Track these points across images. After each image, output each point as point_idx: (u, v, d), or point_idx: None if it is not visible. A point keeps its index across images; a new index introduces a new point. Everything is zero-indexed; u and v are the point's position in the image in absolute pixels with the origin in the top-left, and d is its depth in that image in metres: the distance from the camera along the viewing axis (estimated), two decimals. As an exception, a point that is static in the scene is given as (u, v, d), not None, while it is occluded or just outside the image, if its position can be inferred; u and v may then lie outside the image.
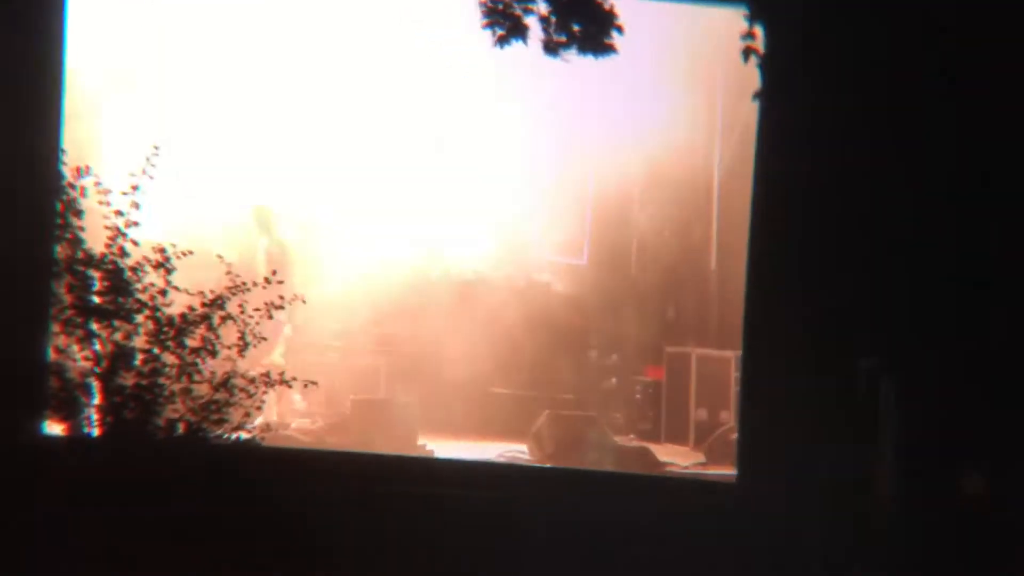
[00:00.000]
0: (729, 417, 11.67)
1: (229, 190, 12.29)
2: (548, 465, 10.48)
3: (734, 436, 9.82)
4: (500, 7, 7.18)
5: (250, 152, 12.17)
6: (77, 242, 7.13)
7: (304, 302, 7.79)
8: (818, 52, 7.93)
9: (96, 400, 7.14)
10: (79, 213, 7.15)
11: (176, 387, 7.27)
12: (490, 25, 7.17)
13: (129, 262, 7.24)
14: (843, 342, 8.09)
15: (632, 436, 11.91)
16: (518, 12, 7.16)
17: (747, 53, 7.33)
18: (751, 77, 7.55)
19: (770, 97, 7.82)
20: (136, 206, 7.35)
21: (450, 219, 13.00)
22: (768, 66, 7.52)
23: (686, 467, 10.97)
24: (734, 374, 11.65)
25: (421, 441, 10.70)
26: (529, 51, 7.20)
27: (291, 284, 7.68)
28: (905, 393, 7.89)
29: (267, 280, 7.58)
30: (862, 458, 7.91)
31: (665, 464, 10.90)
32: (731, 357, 11.74)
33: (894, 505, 7.79)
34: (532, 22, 7.16)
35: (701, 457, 11.28)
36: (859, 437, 7.95)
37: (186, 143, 11.93)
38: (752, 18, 7.31)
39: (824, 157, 8.11)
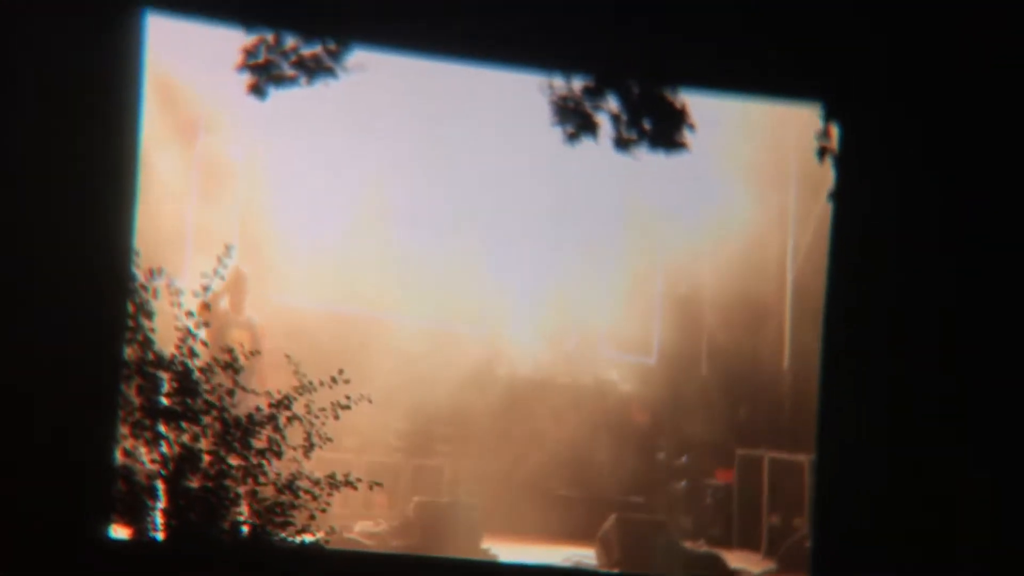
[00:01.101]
0: (803, 523, 11.37)
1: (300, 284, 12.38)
2: (615, 571, 10.25)
3: (808, 543, 9.55)
4: (571, 105, 7.18)
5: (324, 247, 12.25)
6: (147, 343, 7.13)
7: (370, 401, 7.69)
8: (895, 152, 7.81)
9: (162, 503, 7.07)
10: (150, 314, 7.16)
11: (241, 489, 7.19)
12: (560, 122, 7.18)
13: (198, 363, 7.23)
14: (923, 446, 7.86)
15: (702, 541, 11.63)
16: (588, 110, 7.16)
17: (822, 152, 7.25)
18: (826, 170, 7.47)
19: (844, 197, 7.71)
20: (207, 307, 7.36)
21: (517, 317, 12.95)
22: (843, 165, 7.44)
23: (758, 575, 10.69)
24: (808, 479, 11.38)
25: (485, 545, 10.52)
26: (597, 145, 7.19)
27: (356, 382, 7.59)
28: (995, 495, 7.65)
29: (333, 379, 7.51)
30: (947, 560, 7.65)
31: (736, 572, 10.62)
32: (804, 461, 11.48)
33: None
34: (603, 119, 7.15)
35: (772, 565, 10.99)
36: (942, 544, 7.69)
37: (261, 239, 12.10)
38: (827, 117, 7.25)
39: (900, 257, 7.95)
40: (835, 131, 7.23)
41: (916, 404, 7.84)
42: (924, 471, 7.79)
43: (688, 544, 11.14)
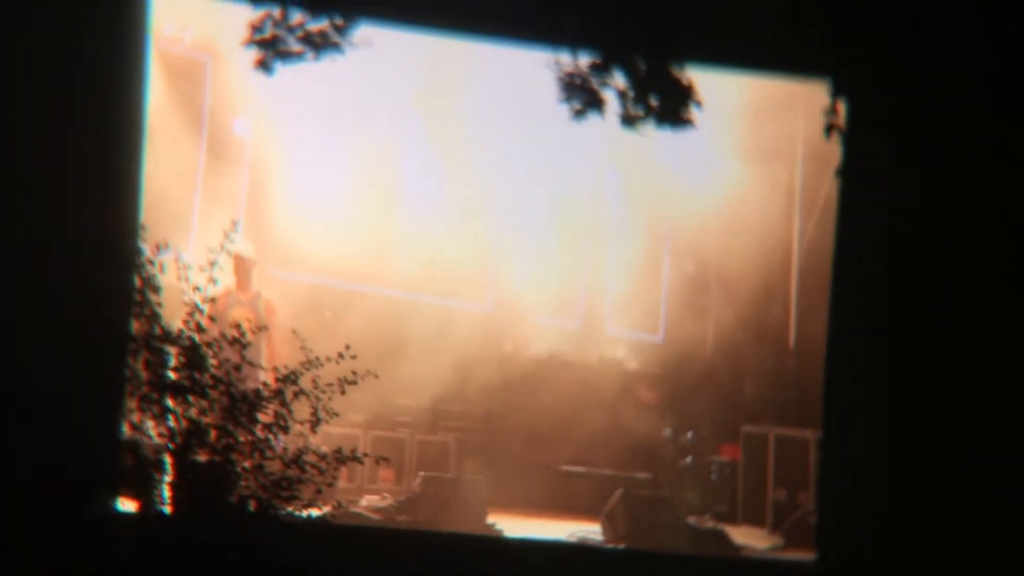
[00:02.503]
0: (808, 499, 11.39)
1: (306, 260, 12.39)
2: (620, 546, 10.27)
3: (813, 519, 9.56)
4: (578, 81, 7.16)
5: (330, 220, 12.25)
6: (154, 317, 7.14)
7: (376, 377, 7.71)
8: (904, 130, 7.77)
9: (169, 477, 7.10)
10: (157, 289, 7.17)
11: (248, 464, 7.21)
12: (567, 99, 7.15)
13: (206, 337, 7.24)
14: (926, 424, 7.85)
15: (707, 517, 11.65)
16: (595, 86, 7.13)
17: (830, 129, 7.21)
18: (833, 150, 7.43)
19: (852, 175, 7.68)
20: (214, 282, 7.37)
21: (522, 293, 12.96)
22: (850, 142, 7.40)
23: (763, 550, 10.70)
24: (814, 455, 11.39)
25: (490, 520, 10.55)
26: (603, 124, 7.16)
27: (364, 359, 7.61)
28: (995, 472, 7.63)
29: (340, 355, 7.52)
30: (947, 539, 7.65)
31: (741, 547, 10.63)
32: (810, 437, 11.49)
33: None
34: (609, 96, 7.11)
35: (779, 540, 11.00)
36: (942, 520, 7.69)
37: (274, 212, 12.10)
38: (835, 93, 7.21)
39: (908, 237, 7.92)
40: (843, 108, 7.18)
41: (922, 382, 7.83)
42: (928, 449, 7.78)
43: (693, 520, 11.15)
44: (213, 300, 7.38)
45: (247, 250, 10.79)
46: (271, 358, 10.26)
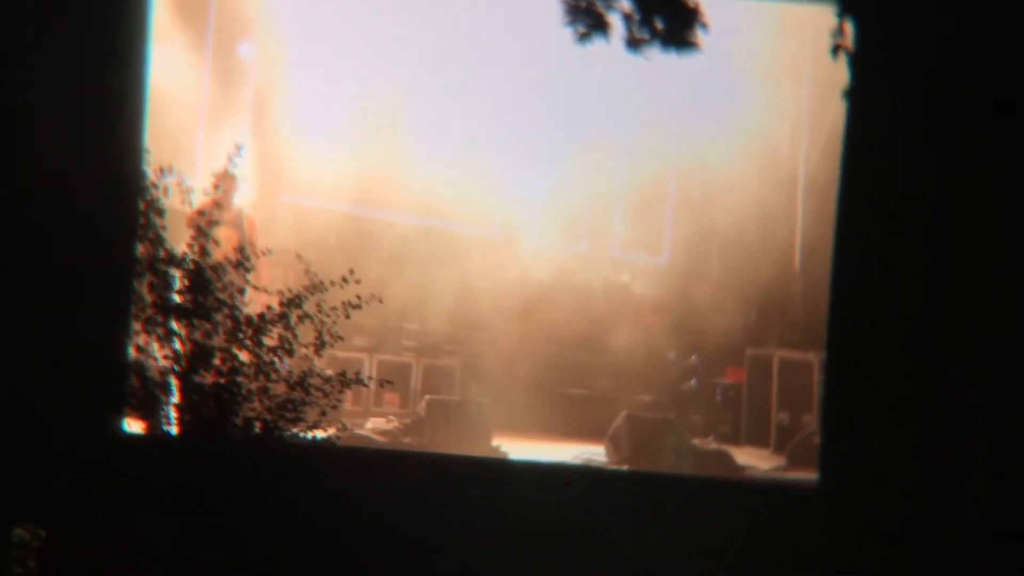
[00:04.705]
0: (812, 420, 11.45)
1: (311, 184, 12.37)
2: (625, 468, 10.36)
3: (816, 440, 9.63)
4: (583, 4, 7.09)
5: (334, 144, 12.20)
6: (159, 241, 7.15)
7: (381, 301, 7.72)
8: (910, 48, 7.71)
9: (175, 399, 7.16)
10: (161, 212, 7.17)
11: (253, 386, 7.26)
12: (572, 22, 7.09)
13: (209, 261, 7.26)
14: (931, 346, 7.88)
15: (711, 439, 11.73)
16: (600, 9, 7.06)
17: (836, 50, 7.16)
18: (840, 72, 7.38)
19: (859, 95, 7.64)
20: (218, 205, 7.37)
21: (526, 217, 12.93)
22: (858, 63, 7.35)
23: (766, 470, 10.78)
24: (817, 377, 11.44)
25: (495, 443, 10.63)
26: (609, 46, 7.10)
27: (369, 284, 7.62)
28: (995, 398, 7.68)
29: (344, 279, 7.54)
30: (948, 462, 7.72)
31: (745, 468, 10.72)
32: (814, 359, 11.52)
33: (982, 509, 7.58)
34: (615, 19, 7.05)
35: (782, 461, 11.09)
36: (946, 441, 7.75)
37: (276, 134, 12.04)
38: (842, 14, 7.14)
39: (914, 157, 7.90)
40: (849, 28, 7.12)
41: (927, 305, 7.85)
42: (932, 371, 7.82)
43: (697, 441, 11.21)
44: (200, 212, 7.34)
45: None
46: (258, 279, 10.26)
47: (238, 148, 7.65)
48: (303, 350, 7.40)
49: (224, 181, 10.33)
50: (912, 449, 7.75)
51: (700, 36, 6.99)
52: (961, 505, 7.65)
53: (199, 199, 7.52)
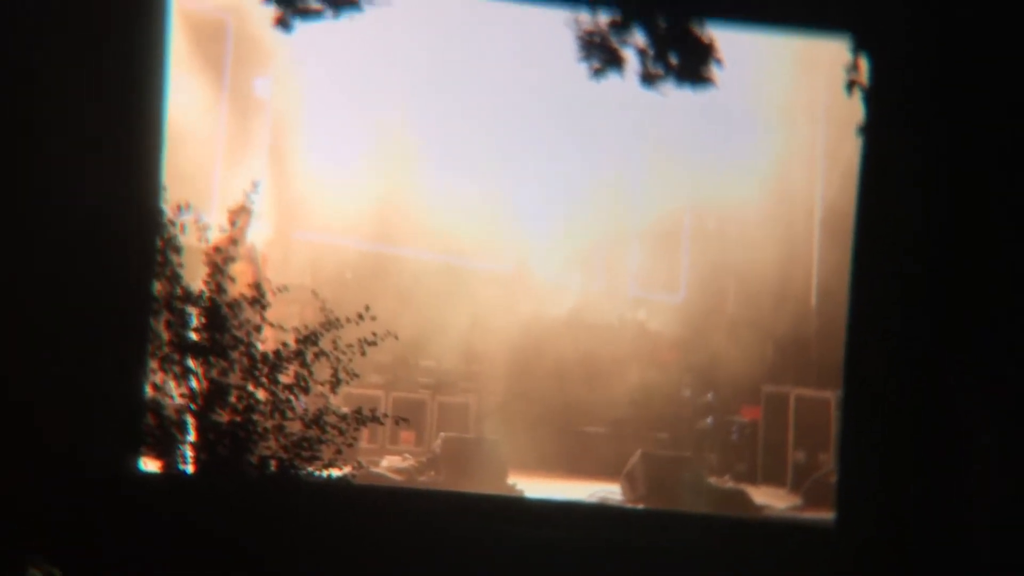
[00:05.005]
0: (828, 459, 11.39)
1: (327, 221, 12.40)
2: (640, 507, 10.30)
3: (833, 478, 9.56)
4: (597, 40, 7.11)
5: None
6: (176, 278, 7.16)
7: (397, 338, 7.71)
8: (924, 85, 7.70)
9: (191, 437, 7.14)
10: (178, 250, 7.18)
11: (269, 424, 7.24)
12: (586, 58, 7.11)
13: (226, 298, 7.26)
14: (948, 386, 7.82)
15: (727, 477, 11.67)
16: (615, 45, 7.08)
17: (851, 85, 7.16)
18: (855, 109, 7.37)
19: (874, 132, 7.62)
20: (234, 242, 7.38)
21: (543, 254, 12.94)
22: (872, 99, 7.34)
23: (783, 510, 10.72)
24: (834, 414, 11.38)
25: (511, 480, 10.59)
26: (623, 83, 7.12)
27: (384, 320, 7.62)
28: (1008, 436, 7.61)
29: (360, 316, 7.53)
30: (965, 503, 7.64)
31: (761, 507, 10.65)
32: (830, 397, 11.48)
33: (995, 541, 7.51)
34: (629, 54, 7.07)
35: (799, 500, 11.02)
36: (961, 483, 7.68)
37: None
38: (856, 49, 7.15)
39: (930, 194, 7.87)
40: (864, 64, 7.12)
41: (945, 344, 7.80)
42: (951, 410, 7.76)
43: (714, 480, 11.17)
44: (217, 249, 7.35)
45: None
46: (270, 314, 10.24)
47: (255, 185, 7.68)
48: (319, 387, 7.38)
49: (239, 216, 10.36)
50: (930, 492, 7.68)
51: (715, 72, 7.01)
52: (971, 536, 7.58)
53: (215, 235, 7.54)
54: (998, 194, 7.70)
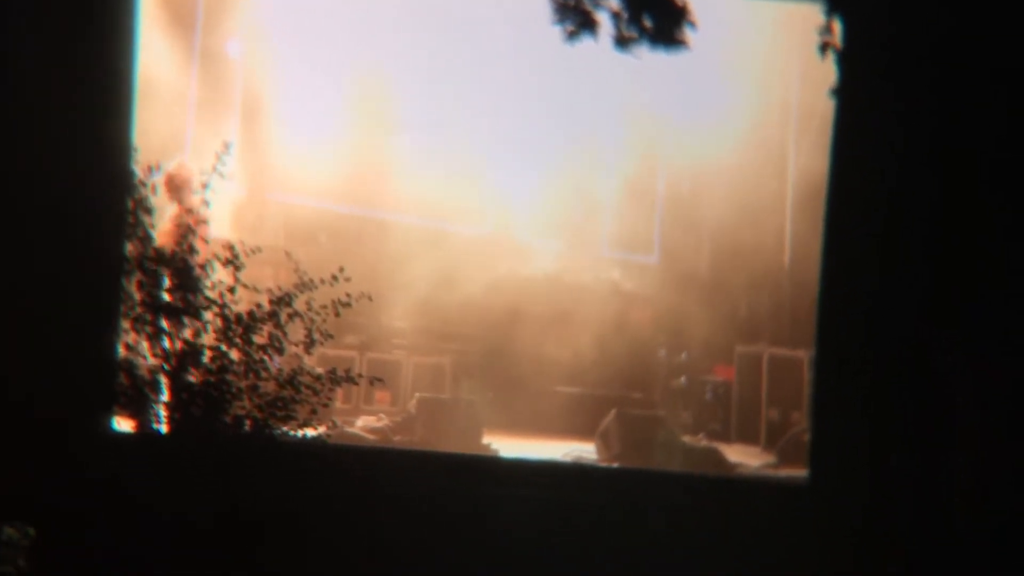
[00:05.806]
0: (801, 418, 11.48)
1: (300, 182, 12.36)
2: (615, 465, 10.37)
3: (806, 437, 9.65)
4: (571, 3, 7.09)
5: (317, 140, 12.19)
6: (147, 239, 7.15)
7: (371, 299, 7.73)
8: (898, 47, 7.72)
9: (164, 397, 7.15)
10: (149, 211, 7.17)
11: (243, 384, 7.26)
12: (560, 20, 7.08)
13: (198, 259, 7.25)
14: (920, 342, 7.89)
15: (701, 436, 11.75)
16: (588, 7, 7.06)
17: (824, 48, 7.16)
18: (829, 69, 7.39)
19: (847, 93, 7.64)
20: (206, 203, 7.36)
21: (516, 215, 12.94)
22: (845, 61, 7.36)
23: (756, 468, 10.81)
24: (807, 374, 11.47)
25: (486, 440, 10.64)
26: (597, 46, 7.10)
27: (359, 282, 7.62)
28: (982, 391, 7.69)
29: (334, 277, 7.53)
30: (937, 457, 7.73)
31: (735, 465, 10.74)
32: (804, 357, 11.55)
33: (972, 503, 7.60)
34: (603, 17, 7.05)
35: (772, 458, 11.11)
36: (934, 435, 7.76)
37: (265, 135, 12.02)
38: (829, 12, 7.15)
39: (903, 154, 7.91)
40: (837, 26, 7.13)
41: (917, 302, 7.86)
42: (923, 369, 7.83)
43: (688, 439, 11.24)
44: (188, 210, 7.32)
45: (175, 166, 10.33)
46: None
47: (226, 146, 7.65)
48: (293, 348, 7.40)
49: (172, 180, 9.94)
50: (902, 443, 7.76)
51: (689, 34, 6.99)
52: (952, 496, 7.67)
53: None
54: (971, 153, 7.74)
